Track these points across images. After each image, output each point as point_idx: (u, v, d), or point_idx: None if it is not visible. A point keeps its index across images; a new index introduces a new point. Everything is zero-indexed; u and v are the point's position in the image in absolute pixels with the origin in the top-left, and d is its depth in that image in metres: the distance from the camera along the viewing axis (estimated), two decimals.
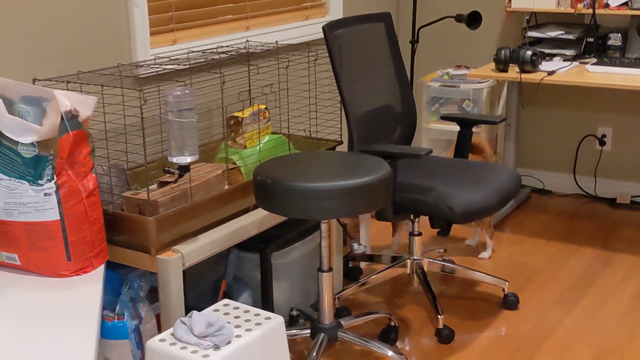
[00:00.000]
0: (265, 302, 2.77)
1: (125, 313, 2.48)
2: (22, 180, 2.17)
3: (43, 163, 2.17)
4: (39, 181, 2.16)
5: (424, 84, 4.03)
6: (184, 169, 2.28)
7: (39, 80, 2.39)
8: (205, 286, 2.87)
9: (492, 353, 2.69)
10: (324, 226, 2.45)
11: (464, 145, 3.08)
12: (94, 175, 2.25)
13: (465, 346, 2.74)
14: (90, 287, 2.16)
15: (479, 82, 3.86)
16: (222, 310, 2.32)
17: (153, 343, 2.15)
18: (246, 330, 2.21)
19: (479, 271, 3.06)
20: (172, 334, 2.17)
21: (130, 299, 2.50)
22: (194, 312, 2.20)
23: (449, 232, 2.73)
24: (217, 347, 2.11)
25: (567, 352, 2.68)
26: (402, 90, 3.10)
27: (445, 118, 3.15)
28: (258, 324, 2.24)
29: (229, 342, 2.14)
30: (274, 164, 2.43)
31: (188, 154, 2.25)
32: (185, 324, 2.18)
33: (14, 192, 2.16)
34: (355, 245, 2.41)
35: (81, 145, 2.20)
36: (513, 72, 3.50)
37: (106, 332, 2.48)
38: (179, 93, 2.18)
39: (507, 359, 2.65)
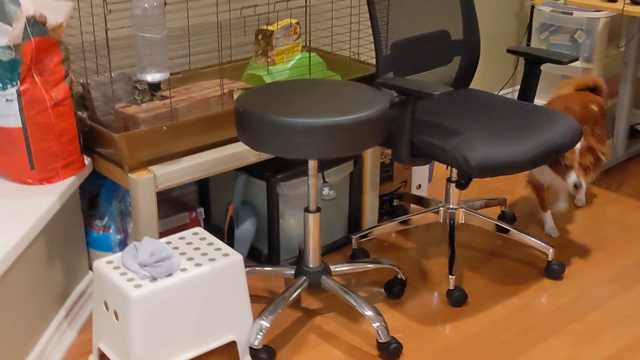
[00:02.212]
0: (271, 232, 2.62)
1: (112, 226, 2.46)
2: None
3: (18, 67, 2.13)
4: (8, 86, 2.12)
5: (535, 7, 3.54)
6: (154, 87, 2.14)
7: None
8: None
9: (501, 326, 2.37)
10: (310, 164, 2.23)
11: (528, 85, 2.66)
12: (67, 84, 2.18)
13: (476, 313, 2.44)
14: (45, 198, 2.13)
15: (595, 11, 3.31)
16: (187, 239, 2.22)
17: (99, 263, 2.09)
18: (196, 265, 2.09)
19: (520, 232, 2.68)
20: (121, 258, 2.11)
21: (120, 212, 2.47)
22: (146, 238, 2.11)
23: (467, 185, 2.39)
24: (154, 278, 2.02)
25: (590, 340, 2.30)
26: (465, 12, 2.71)
27: (511, 52, 2.73)
28: (212, 259, 2.11)
29: (169, 275, 2.04)
30: (260, 90, 2.23)
31: (156, 71, 2.10)
32: (136, 249, 2.10)
33: None
34: (326, 191, 2.17)
35: (50, 52, 2.13)
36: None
37: (92, 241, 2.48)
38: (146, 6, 2.02)
39: (512, 337, 2.32)
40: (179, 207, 2.70)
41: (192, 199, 2.86)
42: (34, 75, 2.11)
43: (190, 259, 2.11)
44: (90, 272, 2.49)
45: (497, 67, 3.82)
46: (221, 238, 2.64)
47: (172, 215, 2.64)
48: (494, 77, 3.84)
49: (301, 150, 2.04)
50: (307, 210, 2.29)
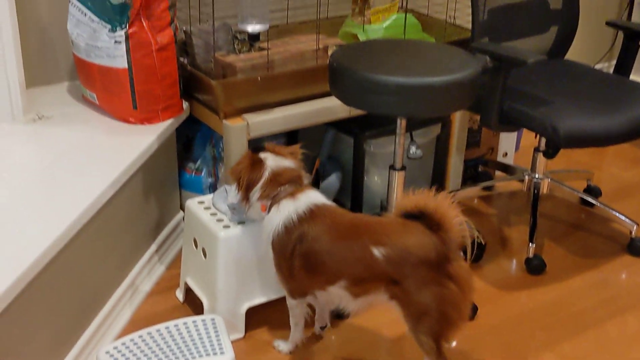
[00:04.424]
0: (355, 187, 2.68)
1: (204, 169, 2.57)
2: (108, 25, 2.25)
3: (127, 11, 2.24)
4: (117, 28, 2.23)
5: None
6: (253, 37, 2.21)
7: None
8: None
9: (577, 297, 2.38)
10: (399, 122, 2.28)
11: (625, 60, 2.62)
12: (171, 30, 2.28)
13: (552, 283, 2.45)
14: (144, 137, 2.25)
15: None
16: None
17: (192, 202, 2.21)
18: None
19: (605, 205, 2.67)
20: (212, 199, 2.21)
21: (213, 157, 2.57)
22: None
23: (555, 155, 2.38)
24: (242, 222, 2.11)
25: None
26: None
27: (610, 24, 2.69)
28: None
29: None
30: (355, 47, 2.27)
31: (256, 22, 2.17)
32: (226, 192, 2.20)
33: (95, 34, 2.27)
34: (413, 149, 2.20)
35: None
36: None
37: (184, 182, 2.60)
38: None
39: (587, 309, 2.33)
40: None
41: None
42: (142, 20, 2.21)
43: None
44: (181, 211, 2.61)
45: (594, 39, 3.74)
46: None
47: None
48: (591, 49, 3.76)
49: (391, 108, 2.09)
50: (392, 167, 2.34)
